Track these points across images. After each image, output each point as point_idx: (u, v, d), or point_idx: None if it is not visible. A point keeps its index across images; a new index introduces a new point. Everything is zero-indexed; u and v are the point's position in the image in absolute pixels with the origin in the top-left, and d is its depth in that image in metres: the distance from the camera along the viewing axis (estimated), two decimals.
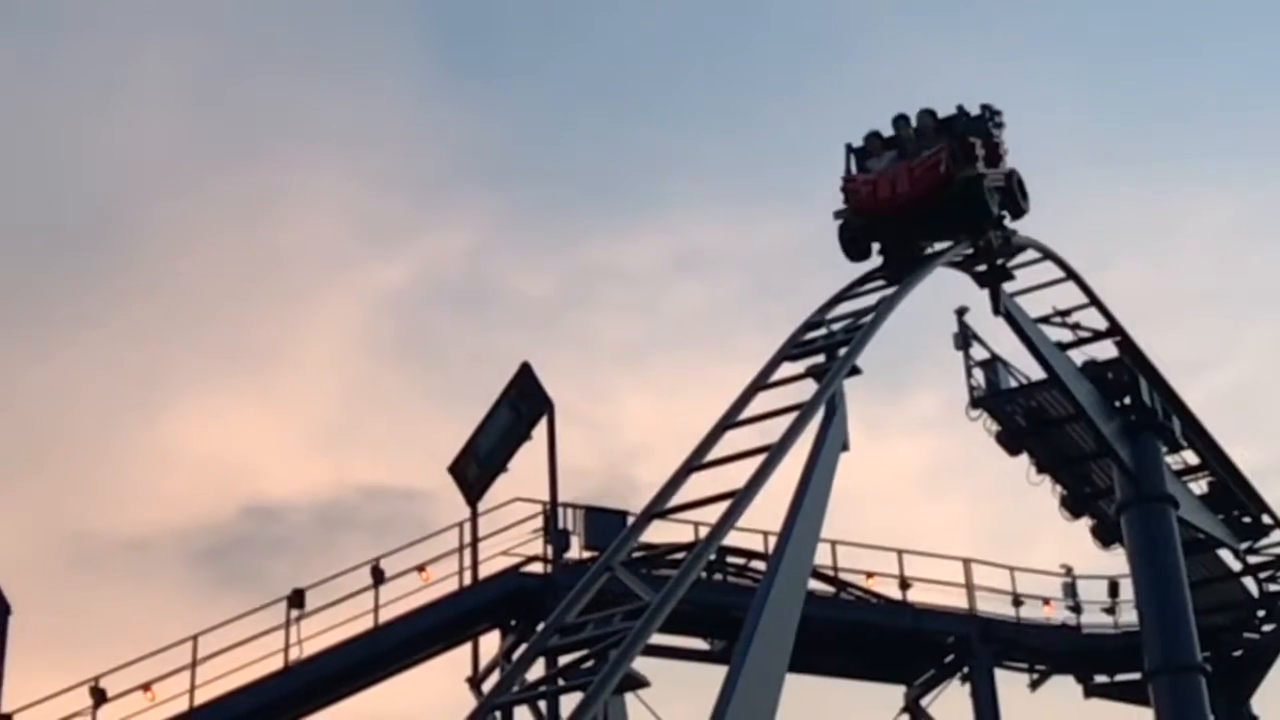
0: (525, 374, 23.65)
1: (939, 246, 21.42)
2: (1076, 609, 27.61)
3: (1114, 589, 27.61)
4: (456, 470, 24.09)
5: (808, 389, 17.33)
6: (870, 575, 26.15)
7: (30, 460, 41.66)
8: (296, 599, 22.85)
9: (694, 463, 16.12)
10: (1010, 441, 26.10)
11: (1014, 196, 21.95)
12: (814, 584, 23.27)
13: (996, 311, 23.36)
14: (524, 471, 23.72)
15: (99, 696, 22.25)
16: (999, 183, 21.70)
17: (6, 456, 41.51)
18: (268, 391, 44.70)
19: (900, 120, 21.73)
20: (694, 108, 50.95)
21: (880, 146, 21.52)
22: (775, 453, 15.73)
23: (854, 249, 21.13)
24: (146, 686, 22.37)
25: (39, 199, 44.88)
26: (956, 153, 20.97)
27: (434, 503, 34.74)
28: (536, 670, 14.19)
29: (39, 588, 36.63)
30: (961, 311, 26.27)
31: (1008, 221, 22.20)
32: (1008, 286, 23.61)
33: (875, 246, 21.28)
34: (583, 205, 51.03)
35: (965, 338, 26.06)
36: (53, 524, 40.93)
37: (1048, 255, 24.15)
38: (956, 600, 26.43)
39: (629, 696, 13.79)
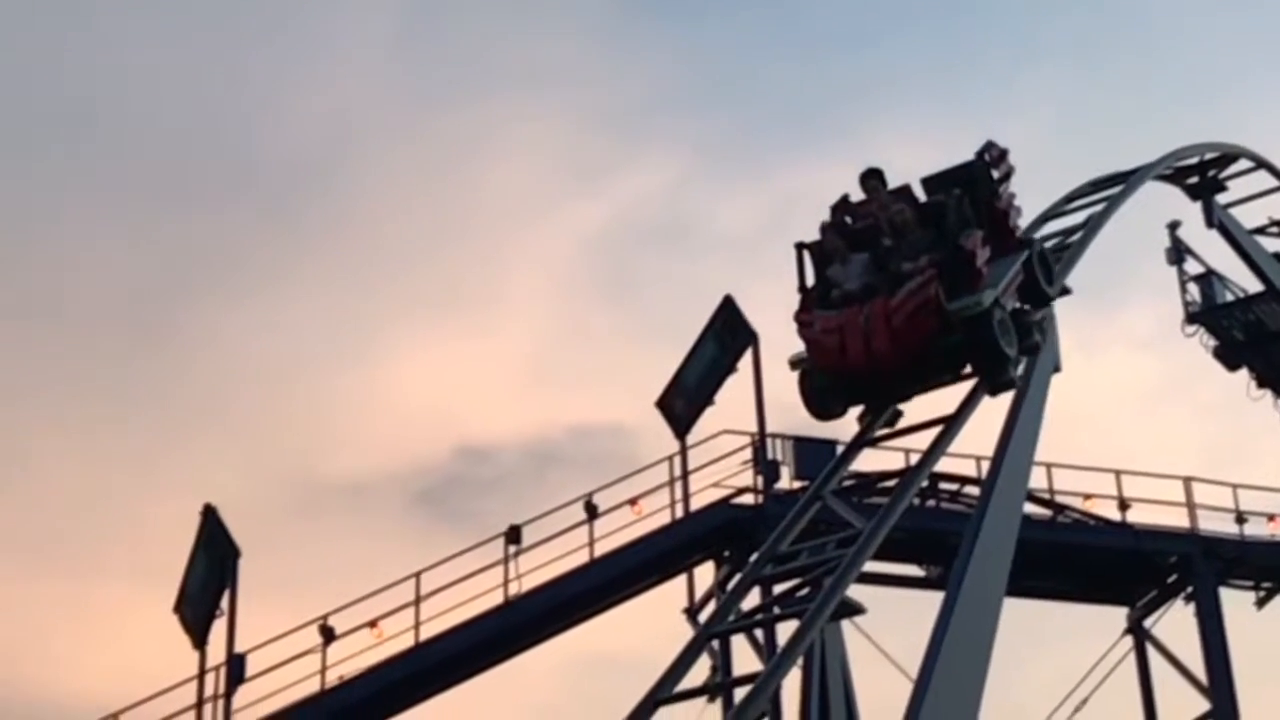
0: (728, 307, 23.65)
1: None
2: None
3: None
4: (664, 405, 24.23)
5: None
6: (1088, 497, 25.79)
7: (252, 409, 42.91)
8: (513, 535, 23.22)
9: None
10: (1228, 356, 25.53)
11: (1037, 285, 16.00)
12: (1030, 507, 23.02)
13: (1210, 224, 22.83)
14: (731, 404, 23.78)
15: (328, 634, 22.82)
16: (1016, 281, 15.60)
17: (231, 407, 42.77)
18: (475, 333, 45.38)
19: (871, 177, 15.81)
20: (891, 30, 50.33)
21: (845, 246, 15.41)
22: None
23: (822, 408, 15.49)
24: (373, 623, 22.90)
25: (249, 150, 46.06)
26: (952, 270, 14.77)
27: (642, 438, 35.00)
28: (752, 599, 14.29)
29: (265, 531, 37.74)
30: (1174, 226, 25.71)
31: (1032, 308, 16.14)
32: (1221, 198, 23.04)
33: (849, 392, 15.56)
34: (782, 134, 50.74)
35: (1178, 252, 25.51)
36: (275, 470, 42.18)
37: (1261, 164, 23.51)
38: (1178, 520, 25.97)
39: (845, 624, 13.75)
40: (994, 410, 15.38)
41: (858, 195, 15.90)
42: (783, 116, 50.60)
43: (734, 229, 47.26)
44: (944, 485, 24.58)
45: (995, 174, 15.91)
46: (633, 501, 23.53)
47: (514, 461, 44.21)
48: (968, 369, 15.19)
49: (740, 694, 12.55)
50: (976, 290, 14.70)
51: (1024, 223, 16.69)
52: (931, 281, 14.60)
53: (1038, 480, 24.30)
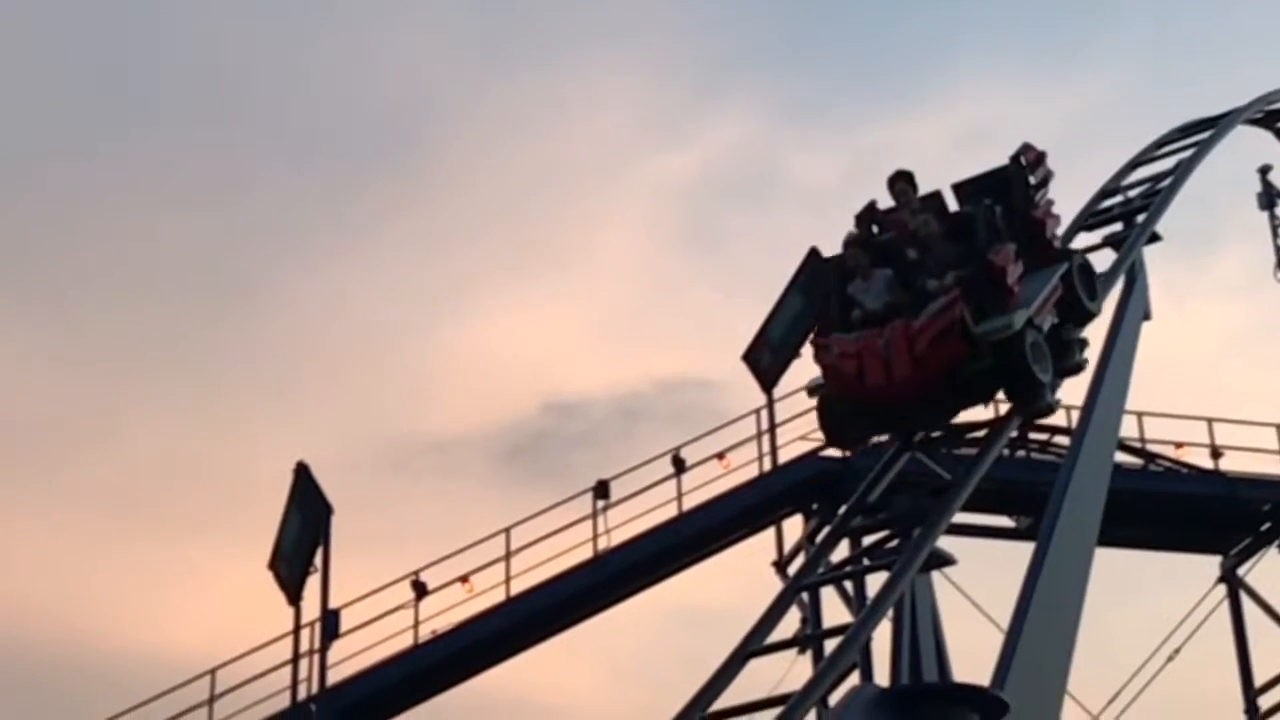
0: (814, 259, 23.54)
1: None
2: None
3: None
4: (750, 358, 24.20)
5: (1106, 258, 16.95)
6: (1180, 445, 25.60)
7: (342, 367, 43.31)
8: (601, 490, 23.35)
9: None
10: None
11: (1077, 301, 14.69)
12: (1121, 456, 22.84)
13: None
14: None
15: (420, 589, 23.07)
16: (1054, 296, 14.26)
17: (320, 366, 43.19)
18: (562, 289, 45.50)
19: (899, 180, 14.69)
20: None
21: (868, 261, 14.21)
22: None
23: (842, 436, 15.06)
24: (464, 579, 23.15)
25: (337, 110, 46.40)
26: (980, 289, 13.55)
27: (729, 391, 35.01)
28: (841, 551, 14.28)
29: (356, 488, 38.19)
30: (1264, 170, 25.42)
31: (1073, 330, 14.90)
32: None
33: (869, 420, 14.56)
34: (864, 85, 50.47)
35: (1270, 197, 25.24)
36: (366, 427, 42.53)
37: None
38: (1271, 467, 25.72)
39: (935, 575, 13.74)
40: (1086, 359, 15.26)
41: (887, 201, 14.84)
42: (865, 68, 50.36)
43: (818, 181, 47.08)
44: (1034, 435, 24.45)
45: (1032, 179, 14.68)
46: (720, 455, 23.59)
47: (602, 416, 44.39)
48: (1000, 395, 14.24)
49: (830, 646, 12.58)
50: (1007, 310, 13.52)
51: (1062, 231, 15.50)
52: (957, 302, 13.36)
53: (1129, 429, 24.14)
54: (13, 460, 40.18)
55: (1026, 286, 13.86)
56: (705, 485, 23.42)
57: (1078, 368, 14.72)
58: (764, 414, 23.81)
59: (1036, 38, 49.43)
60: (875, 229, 14.71)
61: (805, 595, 19.25)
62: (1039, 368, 13.71)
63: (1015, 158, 14.68)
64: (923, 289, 13.70)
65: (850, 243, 14.49)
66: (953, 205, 14.70)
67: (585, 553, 23.13)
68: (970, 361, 13.44)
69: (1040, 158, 14.81)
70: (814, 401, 14.37)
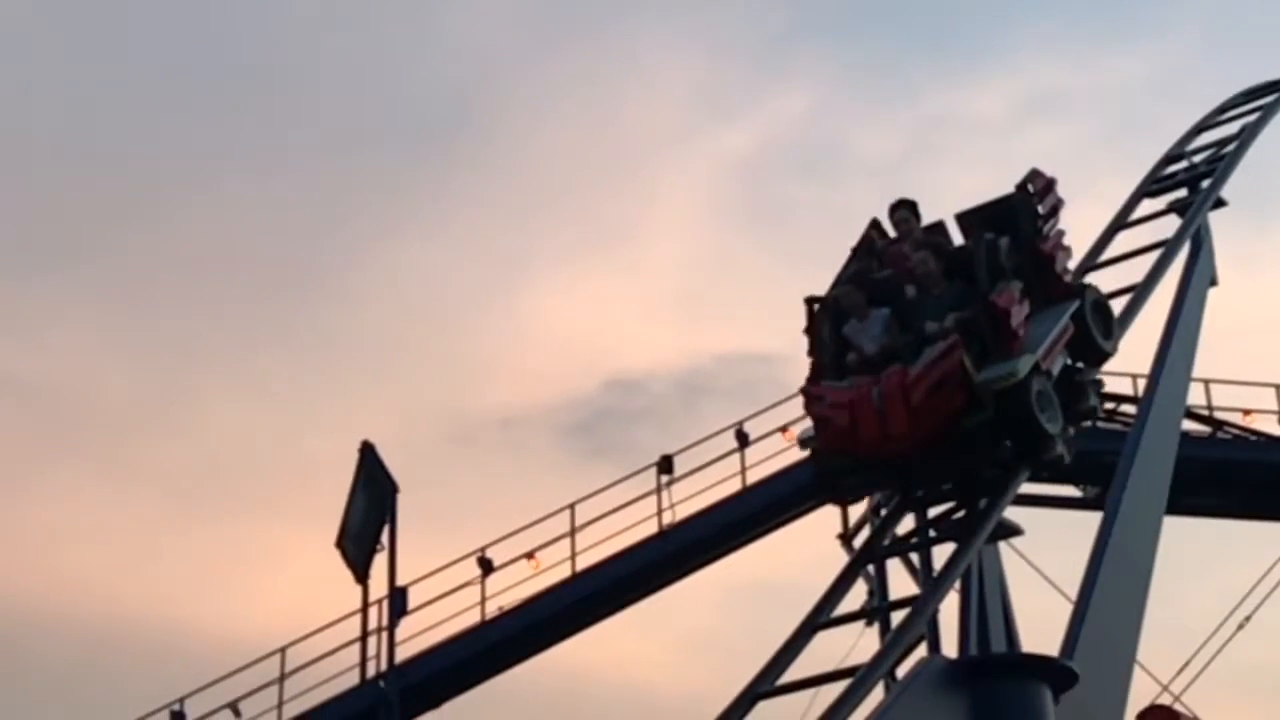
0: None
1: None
2: None
3: None
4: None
5: (1171, 225, 16.84)
6: (1247, 412, 25.41)
7: (405, 346, 43.49)
8: (665, 465, 23.35)
9: None
10: None
11: (1091, 340, 13.60)
12: (1188, 424, 22.68)
13: None
14: None
15: (486, 566, 23.17)
16: (1064, 337, 13.25)
17: (384, 344, 43.39)
18: (623, 265, 45.54)
19: (900, 208, 14.02)
20: None
21: (863, 302, 13.27)
22: (1140, 293, 15.35)
23: (837, 490, 13.95)
24: (530, 555, 23.22)
25: (394, 90, 46.52)
26: (982, 332, 12.51)
27: (791, 365, 34.81)
28: (907, 523, 14.24)
29: (421, 466, 38.40)
30: None
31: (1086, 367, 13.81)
32: None
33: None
34: (924, 56, 50.15)
35: None
36: (430, 405, 42.72)
37: None
38: None
39: (1002, 545, 13.67)
40: (1150, 327, 15.18)
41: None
42: (924, 37, 50.02)
43: (879, 152, 46.88)
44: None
45: (1040, 209, 13.58)
46: (784, 429, 23.51)
47: (664, 392, 44.44)
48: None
49: (898, 618, 12.55)
50: (1011, 356, 12.40)
51: (1073, 265, 14.28)
52: (956, 348, 12.26)
53: (1196, 396, 23.96)
54: (83, 443, 40.64)
55: (1034, 327, 12.87)
56: (769, 459, 23.41)
57: (1091, 412, 13.76)
58: None
59: (1099, 3, 49.03)
60: (876, 263, 13.93)
61: (871, 567, 19.28)
62: (1046, 417, 12.60)
63: (1022, 185, 13.61)
64: (921, 331, 12.74)
65: (845, 280, 13.61)
66: (958, 237, 13.86)
67: (650, 528, 23.19)
68: (971, 413, 12.35)
69: (1049, 185, 13.73)
70: None
